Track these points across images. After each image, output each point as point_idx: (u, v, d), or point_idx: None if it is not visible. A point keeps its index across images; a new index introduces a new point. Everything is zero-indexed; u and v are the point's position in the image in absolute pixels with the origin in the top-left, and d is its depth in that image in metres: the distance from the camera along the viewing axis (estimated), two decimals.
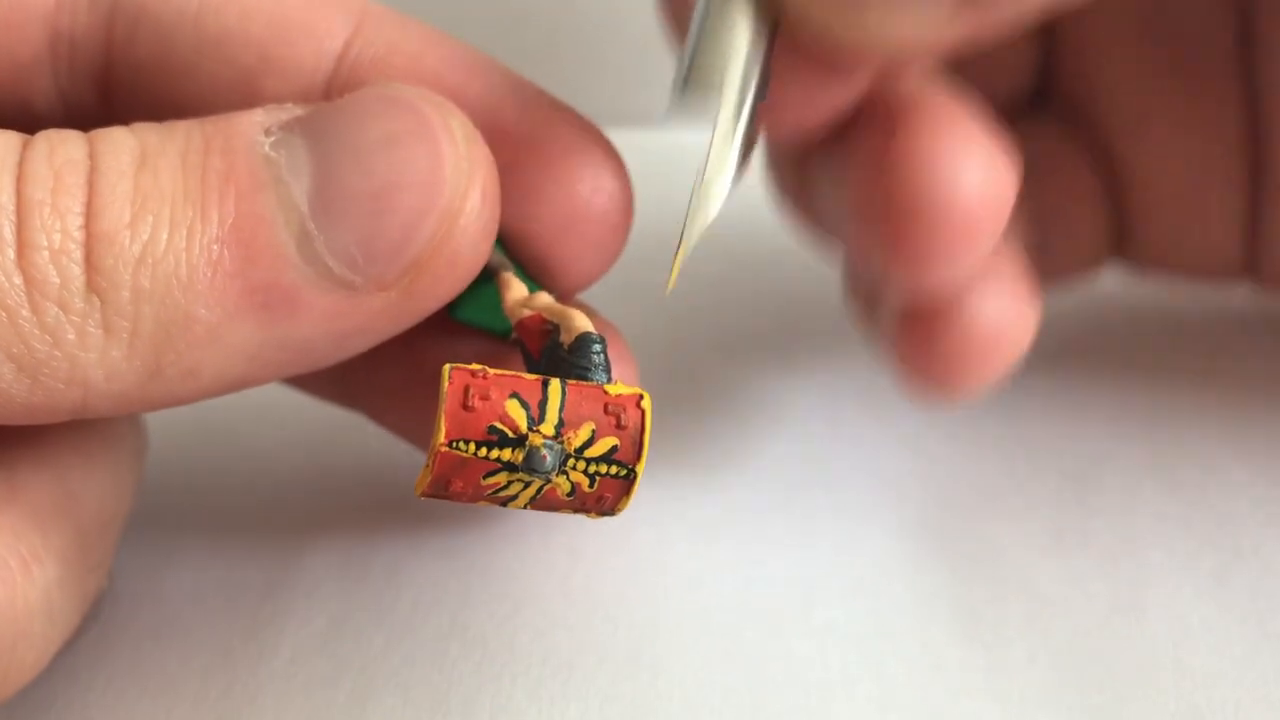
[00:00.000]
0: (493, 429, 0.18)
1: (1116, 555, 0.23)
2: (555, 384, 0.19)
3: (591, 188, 0.21)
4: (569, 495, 0.19)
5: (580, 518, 0.20)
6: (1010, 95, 0.27)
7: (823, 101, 0.21)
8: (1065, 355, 0.29)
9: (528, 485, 0.19)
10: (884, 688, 0.21)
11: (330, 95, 0.21)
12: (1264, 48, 0.25)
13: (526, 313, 0.20)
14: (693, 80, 0.20)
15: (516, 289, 0.21)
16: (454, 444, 0.18)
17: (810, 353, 0.29)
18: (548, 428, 0.19)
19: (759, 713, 0.20)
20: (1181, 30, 0.26)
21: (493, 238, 0.19)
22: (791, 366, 0.29)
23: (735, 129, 0.20)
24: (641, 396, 0.19)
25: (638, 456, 0.19)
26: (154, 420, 0.22)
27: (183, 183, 0.18)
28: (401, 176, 0.18)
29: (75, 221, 0.17)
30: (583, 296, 0.23)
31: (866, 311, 0.24)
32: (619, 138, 0.22)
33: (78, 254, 0.17)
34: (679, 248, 0.20)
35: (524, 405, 0.18)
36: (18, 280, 0.17)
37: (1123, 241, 0.27)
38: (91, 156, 0.18)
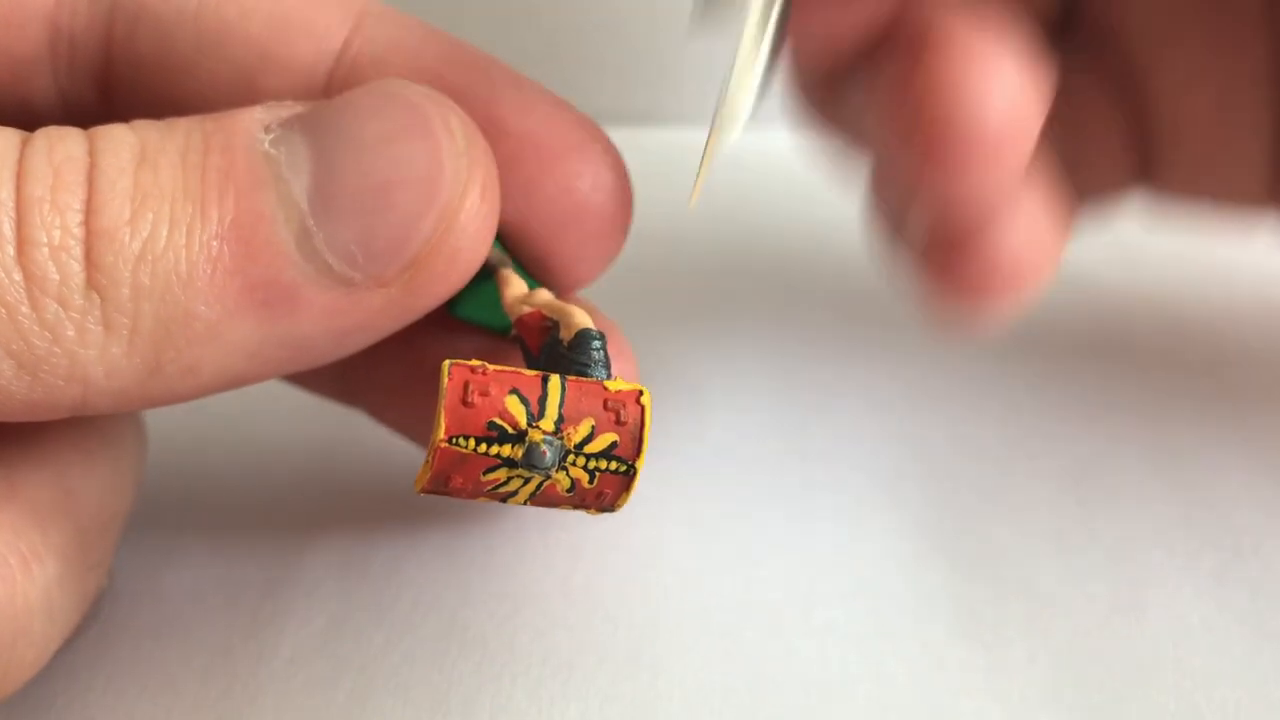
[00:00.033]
0: (492, 425, 0.18)
1: (1116, 555, 0.23)
2: (555, 380, 0.19)
3: (591, 185, 0.21)
4: (569, 491, 0.19)
5: (580, 514, 0.20)
6: (1037, 21, 0.27)
7: (850, 21, 0.21)
8: (1065, 355, 0.29)
9: (527, 481, 0.19)
10: (884, 688, 0.21)
11: (330, 93, 0.21)
12: None
13: (526, 309, 0.20)
14: None
15: (516, 286, 0.21)
16: (453, 440, 0.18)
17: (810, 352, 0.29)
18: (547, 423, 0.19)
19: (759, 713, 0.20)
20: None
21: (492, 234, 0.19)
22: (791, 366, 0.29)
23: (759, 47, 0.19)
24: (641, 392, 0.19)
25: (637, 452, 0.19)
26: (154, 419, 0.22)
27: (182, 180, 0.18)
28: (401, 173, 0.18)
29: (75, 218, 0.17)
30: (583, 294, 0.23)
31: (892, 231, 0.24)
32: (619, 137, 0.22)
33: (77, 251, 0.17)
34: (701, 166, 0.20)
35: (524, 401, 0.18)
36: (17, 277, 0.17)
37: (1149, 169, 0.27)
38: (91, 153, 0.18)
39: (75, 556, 0.19)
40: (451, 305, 0.22)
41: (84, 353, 0.17)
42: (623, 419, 0.19)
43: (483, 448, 0.18)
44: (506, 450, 0.19)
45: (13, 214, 0.17)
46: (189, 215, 0.18)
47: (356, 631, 0.22)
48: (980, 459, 0.26)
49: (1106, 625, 0.22)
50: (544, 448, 0.18)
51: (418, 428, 0.23)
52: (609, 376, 0.19)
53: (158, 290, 0.17)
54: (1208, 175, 0.27)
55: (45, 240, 0.17)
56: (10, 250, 0.17)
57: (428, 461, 0.19)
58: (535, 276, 0.22)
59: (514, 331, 0.21)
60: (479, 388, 0.18)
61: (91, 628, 0.22)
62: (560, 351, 0.19)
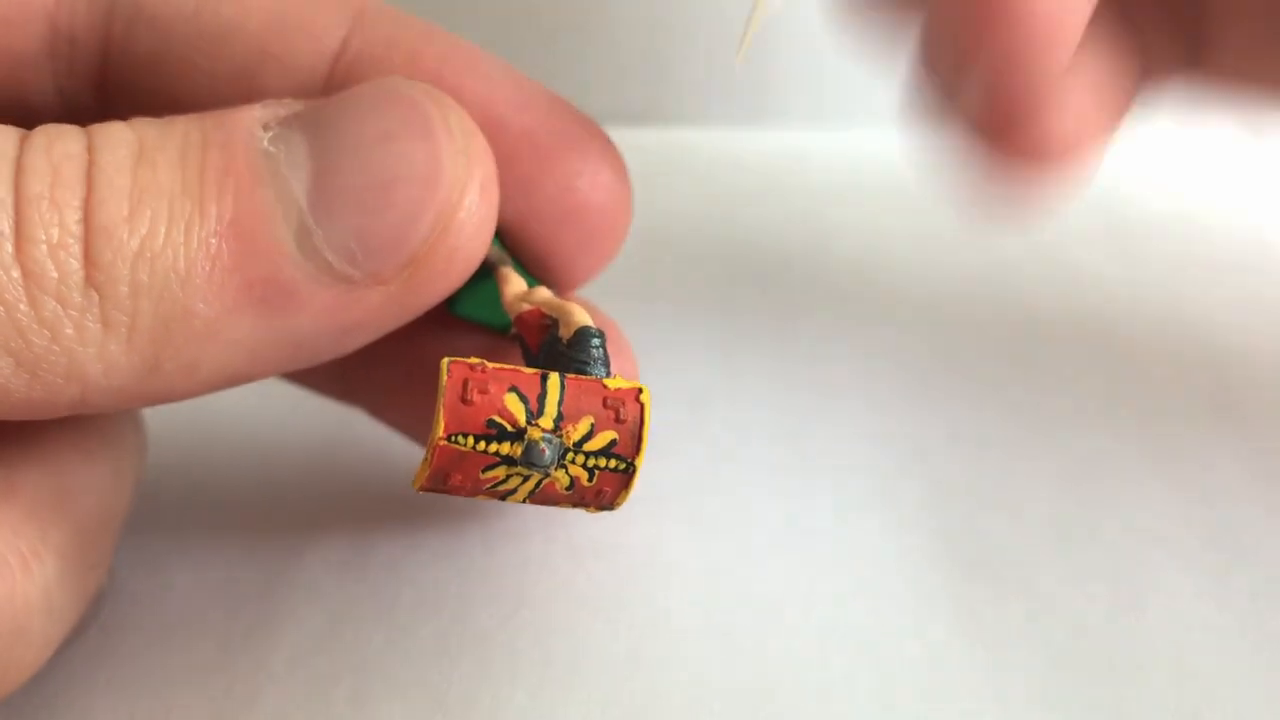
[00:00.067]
0: (491, 423, 0.18)
1: (1116, 555, 0.23)
2: (554, 378, 0.19)
3: (590, 182, 0.21)
4: (568, 489, 0.19)
5: (580, 513, 0.20)
6: None
7: None
8: (1065, 355, 0.29)
9: (526, 479, 0.19)
10: (884, 688, 0.21)
11: (329, 91, 0.21)
12: None
13: (525, 307, 0.20)
14: None
15: (515, 284, 0.21)
16: (452, 437, 0.18)
17: (810, 351, 0.29)
18: (546, 421, 0.19)
19: (759, 713, 0.20)
20: None
21: (491, 232, 0.19)
22: (791, 365, 0.29)
23: None
24: (640, 390, 0.19)
25: (637, 450, 0.19)
26: (154, 419, 0.22)
27: (181, 178, 0.18)
28: (400, 171, 0.18)
29: (73, 216, 0.17)
30: (582, 292, 0.23)
31: (941, 101, 0.24)
32: (619, 137, 0.22)
33: (76, 248, 0.17)
34: (748, 24, 0.20)
35: (523, 399, 0.18)
36: (15, 274, 0.17)
37: (1199, 56, 0.27)
38: (90, 151, 0.18)
39: (75, 556, 0.19)
40: (451, 303, 0.22)
41: (83, 350, 0.17)
42: (622, 417, 0.19)
43: (482, 445, 0.18)
44: (505, 448, 0.19)
45: (11, 211, 0.17)
46: (188, 213, 0.18)
47: (356, 631, 0.22)
48: (980, 459, 0.26)
49: (1106, 625, 0.22)
50: (543, 445, 0.18)
51: (417, 426, 0.23)
52: (608, 374, 0.19)
53: (156, 288, 0.17)
54: (1257, 62, 0.26)
55: (44, 238, 0.17)
56: (9, 247, 0.17)
57: (427, 459, 0.19)
58: (534, 274, 0.22)
59: (513, 329, 0.21)
60: (478, 385, 0.18)
61: (91, 628, 0.22)
62: (559, 349, 0.19)
